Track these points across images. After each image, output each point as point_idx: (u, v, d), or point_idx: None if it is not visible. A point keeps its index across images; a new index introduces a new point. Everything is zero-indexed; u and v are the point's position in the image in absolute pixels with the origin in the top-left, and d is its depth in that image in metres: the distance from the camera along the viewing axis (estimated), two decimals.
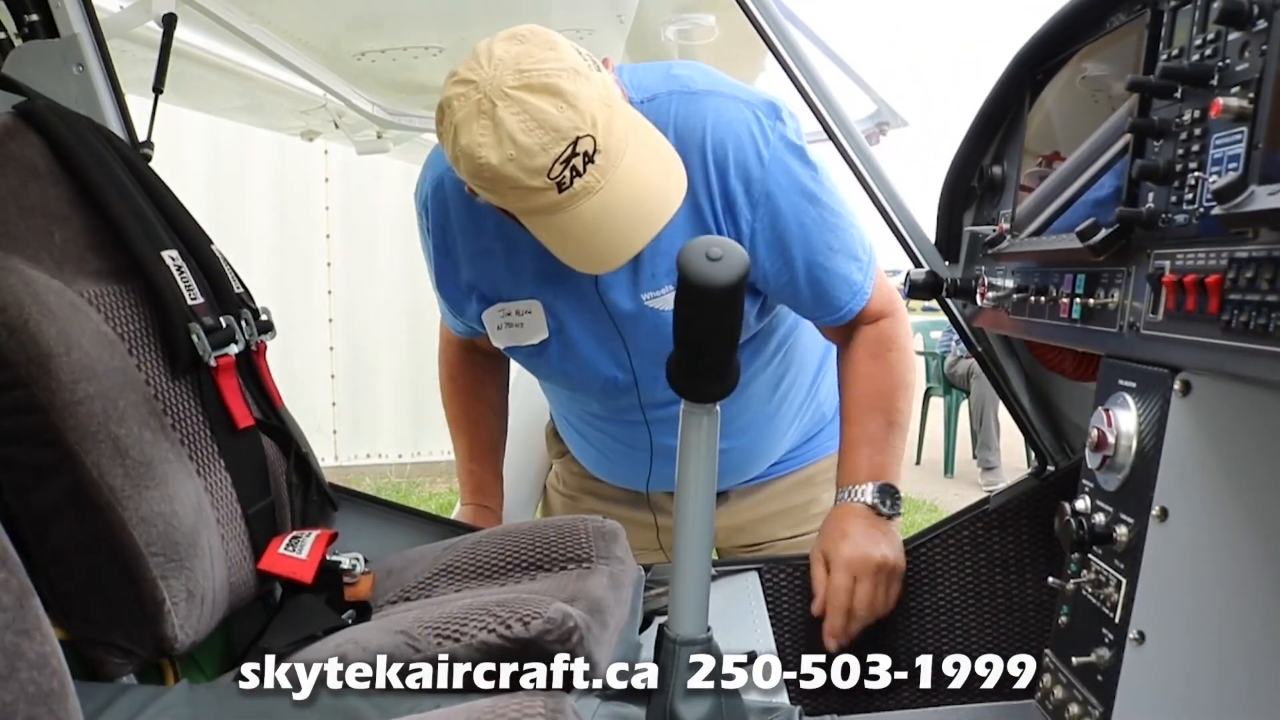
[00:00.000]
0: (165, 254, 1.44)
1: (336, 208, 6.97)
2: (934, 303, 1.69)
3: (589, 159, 1.33)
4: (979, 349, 1.62)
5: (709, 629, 1.04)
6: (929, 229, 1.66)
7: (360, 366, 7.01)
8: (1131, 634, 1.05)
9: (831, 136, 1.69)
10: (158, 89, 1.85)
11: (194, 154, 6.42)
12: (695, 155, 1.53)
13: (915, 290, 1.59)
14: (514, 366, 1.97)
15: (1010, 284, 1.41)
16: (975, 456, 7.49)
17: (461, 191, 1.53)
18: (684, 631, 1.03)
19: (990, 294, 1.43)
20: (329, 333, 6.97)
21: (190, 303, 1.42)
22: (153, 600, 1.24)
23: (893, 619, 1.75)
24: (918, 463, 7.78)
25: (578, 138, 1.31)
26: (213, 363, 1.41)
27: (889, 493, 1.62)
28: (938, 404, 7.97)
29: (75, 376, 1.23)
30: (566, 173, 1.33)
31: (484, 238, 1.64)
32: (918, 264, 1.64)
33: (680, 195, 1.43)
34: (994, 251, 1.46)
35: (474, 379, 1.96)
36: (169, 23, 1.96)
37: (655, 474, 1.87)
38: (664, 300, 1.60)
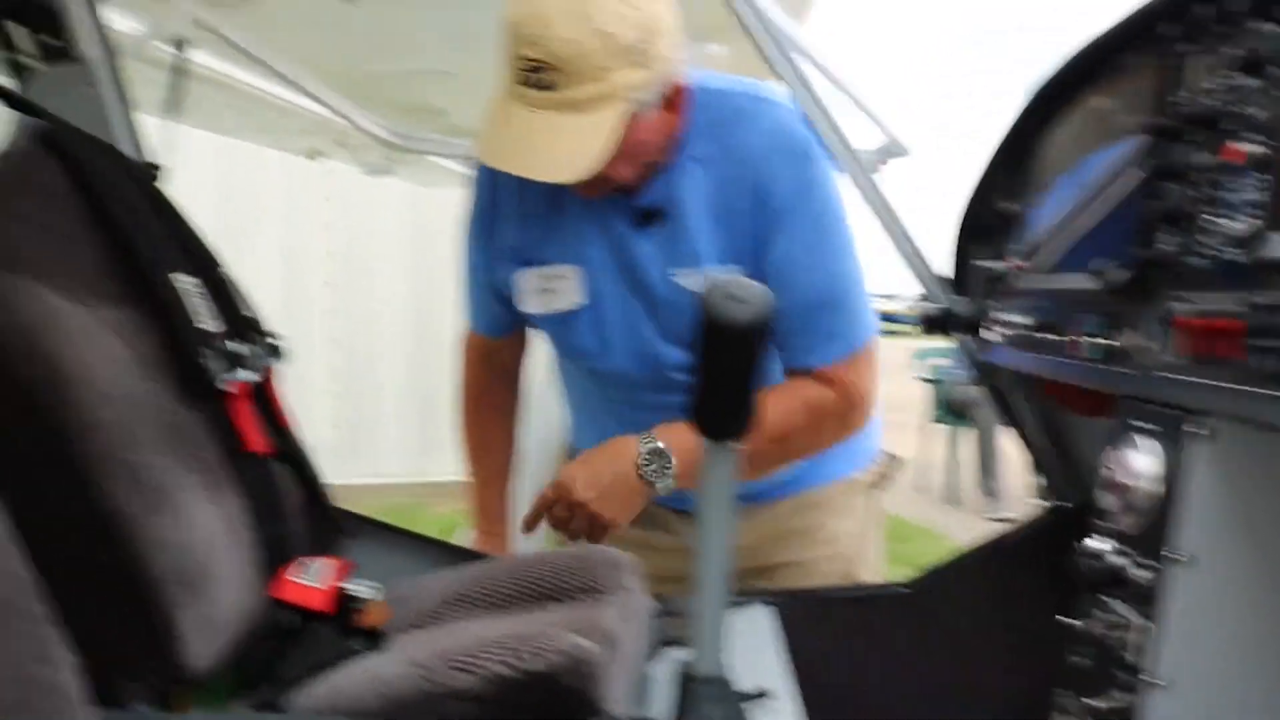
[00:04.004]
0: (178, 278, 1.44)
1: (338, 226, 6.98)
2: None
3: (548, 86, 1.43)
4: (990, 383, 1.62)
5: (726, 666, 1.04)
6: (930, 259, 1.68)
7: (362, 385, 7.01)
8: (1150, 679, 1.05)
9: (843, 168, 1.70)
10: (170, 111, 1.87)
11: (193, 170, 6.41)
12: (741, 151, 1.59)
13: (929, 326, 1.60)
14: (531, 388, 1.98)
15: (1022, 320, 1.42)
16: (979, 484, 7.49)
17: None
18: (701, 668, 1.03)
19: (1002, 330, 1.44)
20: (330, 351, 6.96)
21: (204, 327, 1.42)
22: (166, 627, 1.23)
23: (907, 651, 1.74)
24: (922, 490, 7.76)
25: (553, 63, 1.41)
26: (226, 388, 1.42)
27: (659, 457, 1.60)
28: (940, 431, 7.96)
29: (92, 402, 1.23)
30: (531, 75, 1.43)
31: (531, 200, 1.70)
32: (930, 298, 1.65)
33: (563, 177, 1.49)
34: (1006, 287, 1.47)
35: (493, 404, 1.98)
36: (180, 45, 1.98)
37: None
38: (692, 280, 1.64)
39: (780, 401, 1.64)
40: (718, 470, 0.99)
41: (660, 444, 1.60)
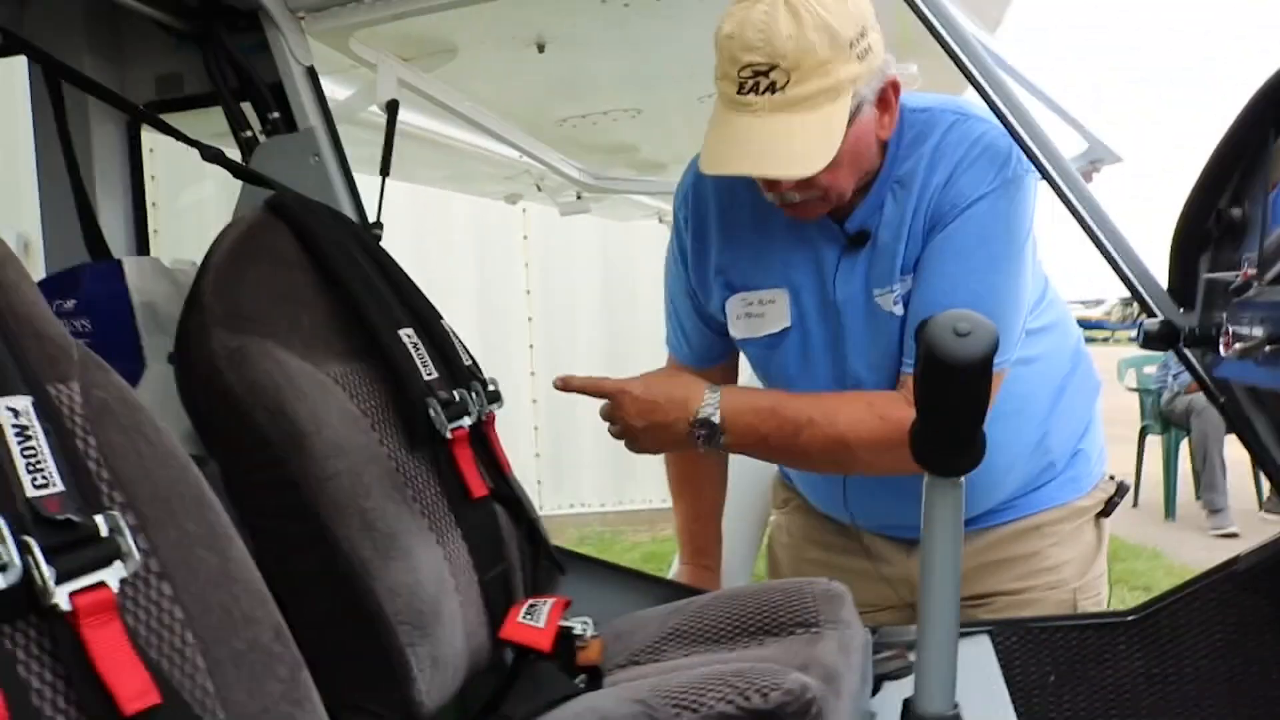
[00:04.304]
0: (401, 332, 1.51)
1: (536, 264, 7.19)
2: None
3: (775, 88, 1.44)
4: (1222, 400, 1.53)
5: (956, 705, 1.01)
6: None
7: (562, 417, 7.14)
8: None
9: (1048, 178, 1.64)
10: (384, 172, 1.96)
11: (395, 212, 6.68)
12: (939, 163, 1.59)
13: (1150, 341, 1.51)
14: None
15: (1259, 333, 1.33)
16: (1199, 498, 7.07)
17: (721, 183, 1.68)
18: (931, 708, 1.00)
19: (1236, 344, 1.36)
20: (531, 385, 7.14)
21: (426, 378, 1.49)
22: (400, 667, 1.29)
23: (1132, 684, 1.65)
24: (1135, 505, 7.36)
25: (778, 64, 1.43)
26: (448, 435, 1.47)
27: (711, 426, 1.61)
28: (1154, 443, 7.53)
29: (326, 453, 1.30)
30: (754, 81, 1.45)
31: (739, 227, 1.73)
32: (1150, 312, 1.56)
33: (797, 173, 1.49)
34: (1240, 300, 1.38)
35: None
36: (392, 109, 2.07)
37: (851, 501, 1.86)
38: (887, 299, 1.64)
39: (846, 405, 1.63)
40: (944, 505, 0.97)
41: (717, 416, 1.61)
